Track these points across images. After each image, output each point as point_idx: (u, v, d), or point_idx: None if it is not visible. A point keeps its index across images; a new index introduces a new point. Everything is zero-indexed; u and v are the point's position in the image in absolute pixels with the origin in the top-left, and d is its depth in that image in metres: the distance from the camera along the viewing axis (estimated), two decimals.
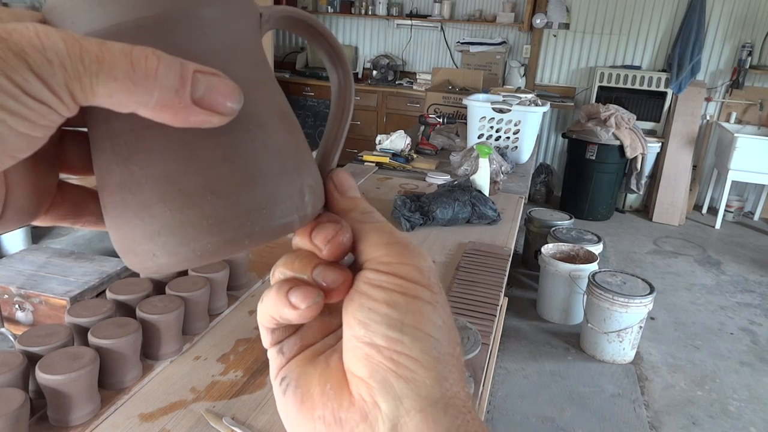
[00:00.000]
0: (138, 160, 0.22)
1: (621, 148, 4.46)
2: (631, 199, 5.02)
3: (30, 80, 0.17)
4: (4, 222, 0.23)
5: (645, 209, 5.06)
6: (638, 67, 5.01)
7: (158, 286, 1.09)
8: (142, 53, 0.18)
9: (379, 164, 2.47)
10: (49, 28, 0.17)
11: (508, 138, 2.76)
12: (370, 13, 5.59)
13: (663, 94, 4.89)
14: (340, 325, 0.27)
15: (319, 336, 0.28)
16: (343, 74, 0.29)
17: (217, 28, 0.22)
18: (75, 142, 0.26)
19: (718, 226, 4.69)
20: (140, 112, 0.19)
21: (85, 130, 0.24)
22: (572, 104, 5.13)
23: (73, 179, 0.26)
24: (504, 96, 3.08)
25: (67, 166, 0.26)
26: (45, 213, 0.25)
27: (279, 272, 0.26)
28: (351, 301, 0.24)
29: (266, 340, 0.28)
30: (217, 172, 0.22)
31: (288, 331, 0.28)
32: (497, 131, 2.76)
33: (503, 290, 1.44)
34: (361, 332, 0.23)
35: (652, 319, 3.10)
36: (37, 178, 0.24)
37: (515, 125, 2.73)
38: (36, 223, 0.25)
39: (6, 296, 2.36)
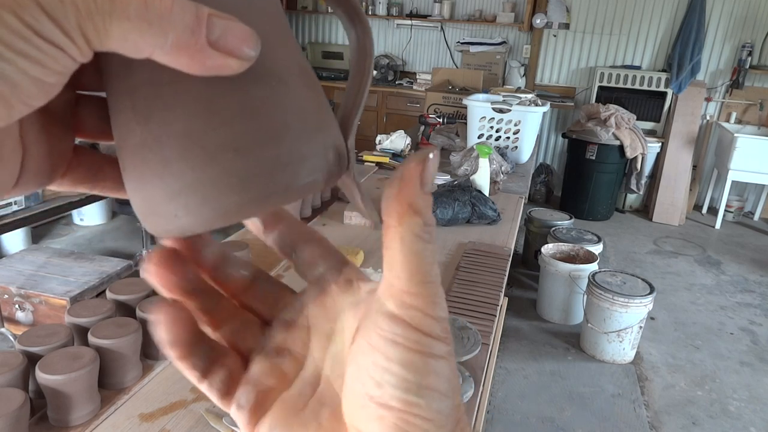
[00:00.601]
0: (158, 118, 0.21)
1: (621, 148, 4.46)
2: (631, 199, 5.02)
3: (41, 20, 0.16)
4: (22, 184, 0.23)
5: (645, 209, 5.06)
6: (638, 67, 5.01)
7: None
8: None
9: (379, 164, 2.47)
10: None
11: (508, 138, 2.76)
12: (370, 13, 5.59)
13: (663, 94, 4.89)
14: (297, 370, 0.26)
15: (282, 381, 0.26)
16: (362, 30, 0.27)
17: None
18: (91, 106, 0.26)
19: (718, 226, 4.69)
20: (156, 57, 0.18)
21: (101, 94, 0.24)
22: (572, 104, 5.13)
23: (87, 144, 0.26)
24: (504, 96, 3.09)
25: (83, 131, 0.26)
26: (62, 177, 0.25)
27: None
28: (364, 355, 0.22)
29: (213, 397, 0.26)
30: (240, 128, 0.21)
31: (226, 376, 0.25)
32: (497, 131, 2.76)
33: (503, 290, 1.44)
34: (377, 393, 0.21)
35: (652, 319, 3.10)
36: (53, 139, 0.23)
37: (515, 125, 2.73)
38: (53, 186, 0.25)
39: (6, 296, 2.36)
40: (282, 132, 0.22)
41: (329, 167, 0.24)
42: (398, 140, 2.57)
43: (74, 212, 3.84)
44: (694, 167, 4.90)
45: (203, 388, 0.25)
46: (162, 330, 0.24)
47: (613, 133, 4.42)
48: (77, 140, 0.26)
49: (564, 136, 4.88)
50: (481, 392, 1.07)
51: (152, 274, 0.25)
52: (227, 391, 0.25)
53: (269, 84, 0.22)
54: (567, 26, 5.12)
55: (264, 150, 0.22)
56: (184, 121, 0.21)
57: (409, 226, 0.21)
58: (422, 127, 2.81)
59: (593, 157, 4.55)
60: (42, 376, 0.79)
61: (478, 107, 2.74)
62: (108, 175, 0.26)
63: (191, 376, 0.25)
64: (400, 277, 0.21)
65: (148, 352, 0.99)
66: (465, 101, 2.83)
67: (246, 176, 0.22)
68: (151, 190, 0.22)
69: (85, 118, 0.26)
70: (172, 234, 0.23)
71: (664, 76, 4.84)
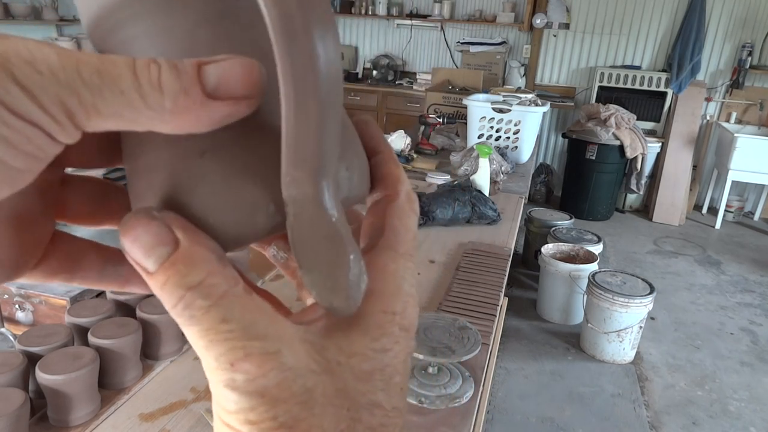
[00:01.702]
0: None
1: (621, 148, 4.46)
2: (631, 199, 5.02)
3: (15, 94, 0.14)
4: None
5: (645, 209, 5.06)
6: (638, 67, 5.01)
7: None
8: (143, 63, 0.16)
9: None
10: (40, 42, 0.15)
11: (508, 138, 2.76)
12: (370, 13, 5.59)
13: (663, 94, 4.89)
14: None
15: None
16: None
17: None
18: (81, 186, 0.22)
19: (718, 226, 4.69)
20: (158, 129, 0.16)
21: (94, 174, 0.22)
22: (572, 104, 5.13)
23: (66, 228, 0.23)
24: (504, 96, 3.09)
25: (71, 215, 0.22)
26: (32, 269, 0.21)
27: None
28: None
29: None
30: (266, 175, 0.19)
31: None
32: (497, 131, 2.76)
33: (503, 290, 1.44)
34: None
35: (652, 319, 3.10)
36: (24, 227, 0.20)
37: (515, 125, 2.73)
38: (23, 280, 0.21)
39: (6, 296, 2.36)
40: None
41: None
42: (398, 140, 2.57)
43: None
44: (694, 167, 4.90)
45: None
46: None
47: (613, 133, 4.42)
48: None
49: (564, 136, 4.88)
50: (481, 392, 1.07)
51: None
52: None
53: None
54: (567, 26, 5.12)
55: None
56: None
57: (167, 306, 0.17)
58: (422, 127, 2.81)
59: (593, 157, 4.55)
60: (42, 376, 0.79)
61: (478, 107, 2.74)
62: (91, 264, 0.22)
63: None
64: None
65: (148, 352, 1.00)
66: (465, 101, 2.83)
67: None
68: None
69: (72, 200, 0.22)
70: None
71: (664, 76, 4.84)
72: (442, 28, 5.51)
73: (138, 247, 0.17)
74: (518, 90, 4.16)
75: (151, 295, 1.03)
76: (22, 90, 0.14)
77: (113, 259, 0.23)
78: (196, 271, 0.17)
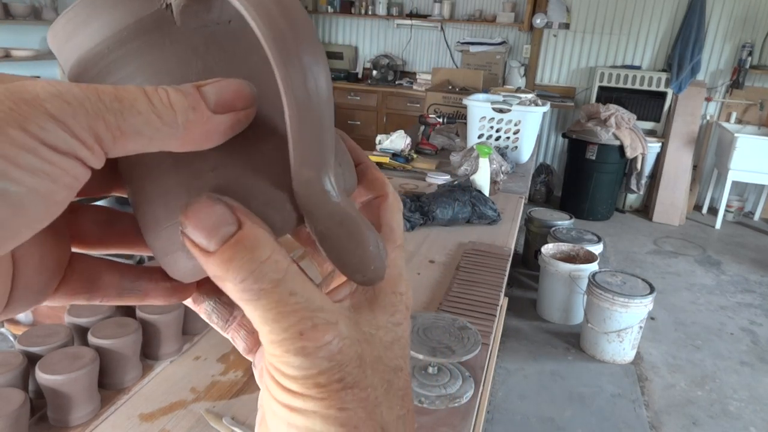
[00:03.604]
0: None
1: (621, 148, 4.46)
2: (631, 199, 5.02)
3: (49, 128, 0.15)
4: (12, 305, 0.20)
5: (645, 209, 5.06)
6: (638, 67, 5.01)
7: None
8: (152, 89, 0.18)
9: (379, 164, 2.47)
10: (58, 80, 0.16)
11: (508, 138, 2.76)
12: (370, 13, 5.60)
13: (663, 94, 4.89)
14: None
15: None
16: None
17: (213, 15, 0.21)
18: (87, 213, 0.24)
19: (718, 226, 4.69)
20: (173, 147, 0.18)
21: (99, 202, 0.23)
22: (572, 104, 5.13)
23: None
24: (504, 96, 3.09)
25: (81, 241, 0.24)
26: (54, 292, 0.22)
27: None
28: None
29: (242, 343, 0.26)
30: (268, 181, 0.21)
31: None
32: (497, 131, 2.76)
33: (503, 290, 1.44)
34: None
35: (652, 319, 3.10)
36: (47, 250, 0.21)
37: (515, 125, 2.73)
38: (47, 303, 0.22)
39: None
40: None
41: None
42: (398, 140, 2.57)
43: None
44: (695, 167, 4.90)
45: (231, 330, 0.25)
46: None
47: (613, 133, 4.42)
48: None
49: (564, 136, 4.88)
50: (481, 392, 1.07)
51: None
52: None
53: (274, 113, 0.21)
54: (567, 26, 5.12)
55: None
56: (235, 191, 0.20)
57: (233, 282, 0.19)
58: (422, 127, 2.81)
59: (593, 157, 4.55)
60: (42, 376, 0.79)
61: (478, 107, 2.74)
62: (109, 282, 0.24)
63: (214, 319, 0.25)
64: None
65: (148, 352, 0.99)
66: (465, 101, 2.83)
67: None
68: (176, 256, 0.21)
69: (84, 227, 0.24)
70: (187, 279, 0.22)
71: (664, 76, 4.84)
72: (442, 28, 5.51)
73: (201, 229, 0.18)
74: (518, 90, 4.16)
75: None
76: (57, 123, 0.15)
77: (129, 275, 0.24)
78: (263, 247, 0.18)
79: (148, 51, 0.20)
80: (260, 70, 0.21)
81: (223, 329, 0.26)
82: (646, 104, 4.93)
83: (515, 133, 2.75)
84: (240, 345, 0.26)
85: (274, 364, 0.20)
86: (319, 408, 0.19)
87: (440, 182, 2.22)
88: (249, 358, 0.26)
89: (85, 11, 0.20)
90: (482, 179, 2.00)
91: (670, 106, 4.88)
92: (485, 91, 3.80)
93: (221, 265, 0.18)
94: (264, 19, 0.18)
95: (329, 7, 5.69)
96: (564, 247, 3.07)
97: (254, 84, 0.20)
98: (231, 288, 0.19)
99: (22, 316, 2.45)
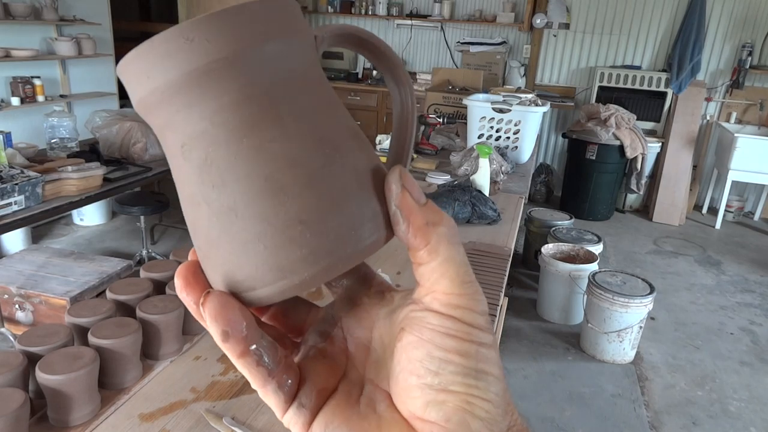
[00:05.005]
0: (232, 209, 0.23)
1: (621, 148, 4.46)
2: (631, 199, 5.02)
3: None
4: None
5: (645, 209, 5.06)
6: (638, 67, 5.01)
7: (158, 287, 1.09)
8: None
9: None
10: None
11: (508, 138, 2.76)
12: (370, 13, 5.59)
13: (663, 94, 4.89)
14: (339, 375, 0.27)
15: (332, 380, 0.27)
16: (405, 93, 0.29)
17: (281, 59, 0.23)
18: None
19: (718, 226, 4.69)
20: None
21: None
22: (572, 104, 5.13)
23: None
24: (504, 96, 3.08)
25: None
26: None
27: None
28: (415, 349, 0.24)
29: (278, 400, 0.25)
30: (304, 200, 0.23)
31: (294, 376, 0.26)
32: (497, 131, 2.76)
33: (503, 290, 1.44)
34: (435, 381, 0.24)
35: (652, 319, 3.10)
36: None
37: (515, 125, 2.73)
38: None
39: (6, 296, 2.36)
40: (343, 198, 0.24)
41: (386, 225, 0.25)
42: None
43: (74, 212, 3.83)
44: (694, 167, 4.90)
45: (269, 389, 0.25)
46: (215, 319, 0.23)
47: (613, 133, 4.42)
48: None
49: (564, 136, 4.88)
50: None
51: (181, 288, 0.25)
52: (293, 393, 0.25)
53: (324, 152, 0.23)
54: (567, 26, 5.12)
55: (328, 218, 0.23)
56: (255, 206, 0.23)
57: (437, 237, 0.24)
58: (422, 127, 2.81)
59: (593, 157, 4.55)
60: (42, 376, 0.79)
61: (478, 107, 2.74)
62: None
63: (255, 374, 0.24)
64: (440, 282, 0.24)
65: (148, 352, 0.99)
66: (465, 101, 2.83)
67: (316, 248, 0.23)
68: (229, 266, 0.24)
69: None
70: (253, 304, 0.24)
71: (664, 76, 4.84)
72: (442, 28, 5.51)
73: (417, 190, 0.25)
74: (518, 90, 4.16)
75: (150, 295, 1.03)
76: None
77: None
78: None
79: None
80: (322, 104, 0.26)
81: (271, 374, 0.25)
82: (646, 104, 4.93)
83: (515, 133, 2.74)
84: (280, 398, 0.25)
85: (466, 304, 0.24)
86: (491, 340, 0.25)
87: (440, 182, 2.22)
88: (284, 418, 0.26)
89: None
90: (482, 179, 2.00)
91: (670, 106, 4.88)
92: (485, 91, 3.80)
93: (435, 211, 0.24)
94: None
95: (329, 7, 5.69)
96: (564, 247, 3.07)
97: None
98: (444, 232, 0.24)
99: (22, 316, 2.44)
